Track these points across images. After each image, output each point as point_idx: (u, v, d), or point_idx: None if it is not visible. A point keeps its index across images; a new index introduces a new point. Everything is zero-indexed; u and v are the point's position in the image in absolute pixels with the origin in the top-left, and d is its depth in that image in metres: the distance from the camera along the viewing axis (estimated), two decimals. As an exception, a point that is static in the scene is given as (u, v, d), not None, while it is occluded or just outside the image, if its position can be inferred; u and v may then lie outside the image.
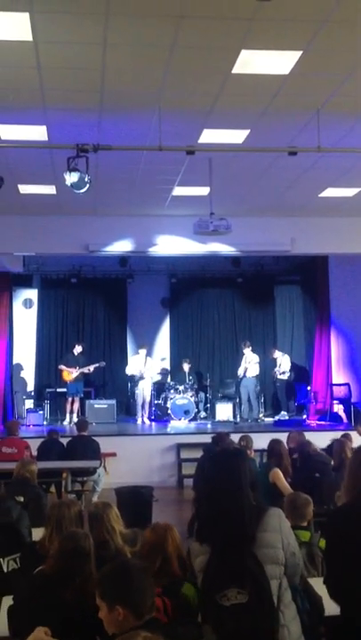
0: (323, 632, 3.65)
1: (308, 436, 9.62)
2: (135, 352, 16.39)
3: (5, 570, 5.36)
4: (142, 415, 15.22)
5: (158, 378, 16.58)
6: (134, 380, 15.53)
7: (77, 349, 15.82)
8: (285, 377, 16.05)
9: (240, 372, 15.71)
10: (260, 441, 10.53)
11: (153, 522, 7.87)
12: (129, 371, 15.83)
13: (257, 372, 15.70)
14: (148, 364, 15.42)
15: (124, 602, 2.86)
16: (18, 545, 5.40)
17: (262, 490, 6.76)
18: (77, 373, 15.47)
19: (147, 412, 15.36)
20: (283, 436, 9.15)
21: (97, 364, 15.77)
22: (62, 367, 15.65)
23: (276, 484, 7.50)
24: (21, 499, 6.58)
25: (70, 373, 15.47)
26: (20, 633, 3.69)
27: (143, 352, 15.60)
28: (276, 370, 16.15)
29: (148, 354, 15.95)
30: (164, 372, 17.05)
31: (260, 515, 3.21)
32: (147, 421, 15.26)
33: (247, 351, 15.77)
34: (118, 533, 4.50)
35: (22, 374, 17.21)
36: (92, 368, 15.63)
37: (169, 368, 17.44)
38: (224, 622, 3.01)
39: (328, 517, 3.85)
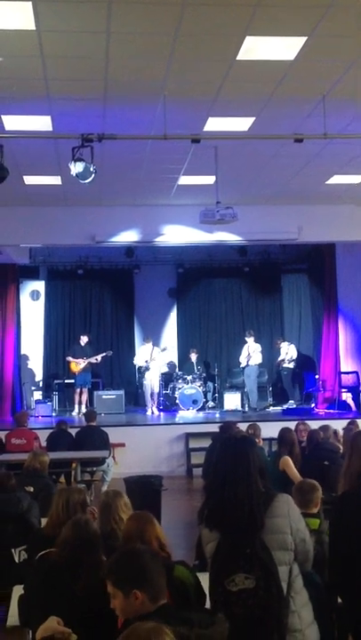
0: (334, 619, 3.67)
1: (316, 425, 9.59)
2: (142, 343, 16.38)
3: (17, 560, 5.38)
4: (151, 406, 15.22)
5: (166, 369, 16.53)
6: (142, 371, 15.53)
7: (84, 340, 15.83)
8: (292, 365, 16.02)
9: (243, 360, 15.66)
10: (269, 430, 10.54)
11: (162, 511, 7.96)
12: (137, 361, 15.84)
13: (260, 361, 15.66)
14: (154, 354, 15.41)
15: (140, 585, 2.86)
16: (28, 536, 5.42)
17: (272, 478, 6.75)
18: (85, 364, 15.49)
19: (155, 403, 15.35)
20: (291, 425, 9.15)
21: (104, 354, 15.77)
22: (70, 358, 15.66)
23: (285, 471, 7.51)
24: (31, 489, 6.60)
25: (78, 364, 15.49)
26: (30, 623, 3.70)
27: (149, 343, 15.57)
28: (281, 359, 16.12)
29: (155, 345, 15.92)
30: (171, 363, 17.03)
31: (268, 501, 3.20)
32: (156, 411, 15.26)
33: (250, 340, 15.72)
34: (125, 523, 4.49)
35: (30, 366, 17.25)
36: (99, 358, 15.64)
37: (176, 358, 17.42)
38: (232, 607, 3.01)
39: (333, 503, 3.89)
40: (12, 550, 5.46)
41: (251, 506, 3.13)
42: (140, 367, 15.61)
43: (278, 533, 3.14)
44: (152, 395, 15.31)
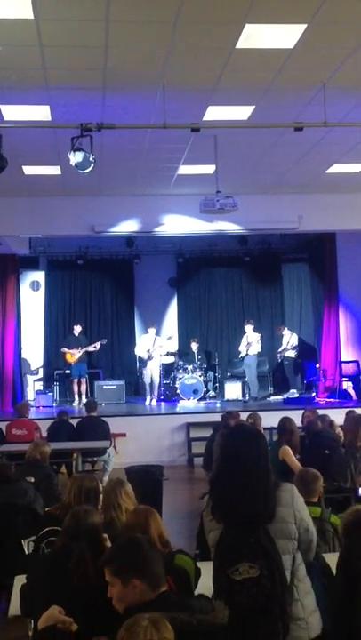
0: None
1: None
2: (143, 332, 16.36)
3: (27, 552, 5.40)
4: (151, 397, 15.20)
5: (168, 359, 16.49)
6: (143, 361, 15.51)
7: (77, 330, 15.82)
8: (293, 355, 16.02)
9: (242, 350, 15.62)
10: (270, 419, 10.54)
11: (163, 501, 7.98)
12: (138, 351, 15.80)
13: (259, 350, 15.65)
14: (157, 343, 15.38)
15: (140, 574, 2.87)
16: (36, 526, 5.45)
17: (273, 467, 6.77)
18: (80, 354, 15.46)
19: (156, 393, 15.34)
20: (292, 414, 9.15)
21: (99, 342, 15.75)
22: (64, 350, 15.65)
23: (285, 460, 7.52)
24: (32, 479, 6.61)
25: (73, 355, 15.47)
26: (33, 612, 3.71)
27: (152, 332, 15.53)
28: (283, 348, 16.12)
29: (157, 334, 15.90)
30: (172, 353, 17.00)
31: (273, 490, 3.21)
32: (155, 403, 15.24)
33: (249, 329, 15.69)
34: (124, 511, 4.51)
35: (31, 356, 17.23)
36: (97, 345, 15.62)
37: (177, 348, 17.42)
38: (236, 596, 3.03)
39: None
40: (22, 541, 5.47)
41: (266, 496, 3.14)
42: (141, 357, 15.57)
43: (282, 522, 3.15)
44: (152, 384, 15.28)
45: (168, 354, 16.47)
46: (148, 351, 15.23)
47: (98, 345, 15.64)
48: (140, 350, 15.58)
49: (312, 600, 3.25)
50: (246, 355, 15.54)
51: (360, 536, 3.49)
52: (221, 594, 3.08)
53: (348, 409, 10.62)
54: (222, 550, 3.14)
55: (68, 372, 16.11)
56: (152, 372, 15.27)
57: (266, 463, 3.23)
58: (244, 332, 15.76)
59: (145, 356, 15.31)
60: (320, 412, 9.76)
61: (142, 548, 2.97)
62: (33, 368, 17.16)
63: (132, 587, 2.87)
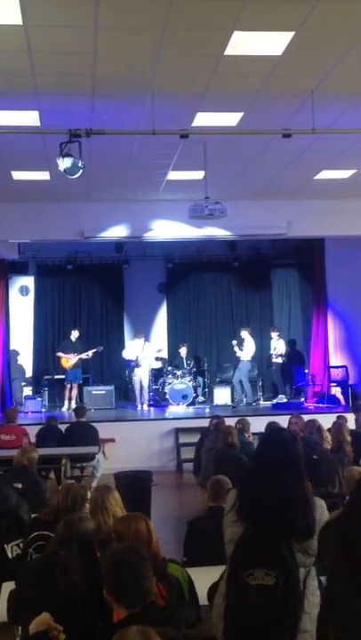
0: None
1: (307, 419, 9.62)
2: (132, 338, 16.34)
3: (10, 556, 5.38)
4: (141, 402, 15.18)
5: (157, 364, 16.46)
6: (131, 367, 15.49)
7: (74, 335, 15.80)
8: (280, 360, 16.05)
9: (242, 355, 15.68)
10: (258, 424, 10.54)
11: (152, 506, 7.96)
12: (125, 354, 15.73)
13: (252, 356, 15.70)
14: (145, 351, 15.37)
15: (110, 591, 2.87)
16: (20, 530, 5.43)
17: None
18: (76, 360, 15.46)
19: (146, 399, 15.31)
20: (280, 419, 9.17)
21: (95, 350, 15.74)
22: (60, 354, 15.62)
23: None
24: (19, 485, 6.59)
25: (69, 360, 15.46)
26: (20, 619, 3.70)
27: (140, 340, 15.52)
28: (271, 353, 16.15)
29: (147, 341, 15.87)
30: (161, 358, 16.97)
31: (311, 502, 3.19)
32: (145, 407, 15.23)
33: (246, 335, 15.75)
34: (112, 515, 4.52)
35: (20, 361, 17.19)
36: (90, 353, 15.60)
37: (166, 353, 17.41)
38: (248, 601, 2.98)
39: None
40: (5, 546, 5.46)
41: (304, 508, 3.12)
42: (130, 361, 15.53)
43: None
44: (141, 390, 15.27)
45: (157, 359, 16.46)
46: (137, 358, 15.19)
47: (90, 353, 15.61)
48: (128, 354, 15.51)
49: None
50: (240, 360, 15.62)
51: None
52: (234, 596, 3.05)
53: (336, 414, 10.64)
54: (241, 551, 3.10)
55: (57, 377, 16.08)
56: (141, 378, 15.26)
57: (300, 469, 3.20)
58: (241, 338, 15.77)
59: (132, 357, 15.25)
60: (308, 417, 9.79)
61: (123, 566, 2.93)
62: (22, 373, 17.11)
63: (111, 601, 2.88)
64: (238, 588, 3.04)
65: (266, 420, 9.47)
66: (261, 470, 3.22)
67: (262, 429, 8.56)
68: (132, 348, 15.56)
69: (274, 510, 3.09)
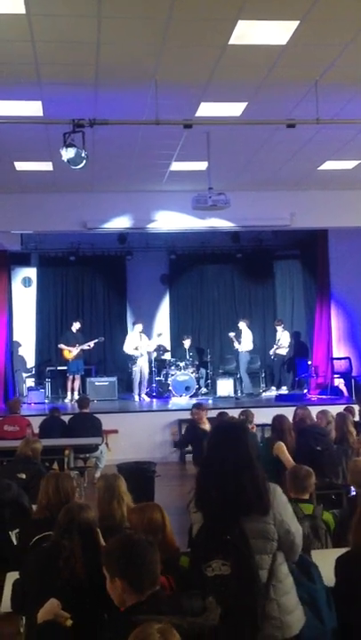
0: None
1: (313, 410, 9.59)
2: (132, 329, 16.32)
3: (15, 543, 5.40)
4: (140, 392, 15.16)
5: (155, 354, 16.45)
6: (133, 359, 15.46)
7: (76, 326, 15.79)
8: (284, 352, 16.04)
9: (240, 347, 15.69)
10: (262, 416, 10.56)
11: (155, 497, 7.97)
12: (126, 348, 15.72)
13: (250, 347, 15.71)
14: (143, 340, 15.34)
15: (123, 574, 2.86)
16: (24, 518, 5.46)
17: (265, 463, 6.77)
18: (78, 351, 15.46)
19: (145, 389, 15.28)
20: (284, 411, 9.15)
21: (96, 340, 15.73)
22: (62, 346, 15.63)
23: (279, 456, 7.52)
24: (23, 476, 6.61)
25: (70, 351, 15.46)
26: (25, 608, 3.71)
27: (138, 328, 15.46)
28: (275, 345, 16.15)
29: (145, 330, 15.84)
30: (163, 349, 16.97)
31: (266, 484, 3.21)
32: (145, 398, 15.19)
33: (243, 326, 15.74)
34: (125, 504, 4.51)
35: (23, 353, 17.20)
36: (91, 344, 15.60)
37: (169, 344, 17.41)
38: (208, 592, 2.99)
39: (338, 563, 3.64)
40: (10, 533, 5.48)
41: (257, 487, 3.13)
42: (131, 355, 15.53)
43: (259, 522, 3.13)
44: (141, 381, 15.23)
45: (159, 349, 16.44)
46: (137, 348, 15.13)
47: (92, 344, 15.61)
48: (128, 348, 15.45)
49: (291, 600, 3.22)
50: (239, 351, 15.62)
51: None
52: (195, 589, 3.06)
53: (339, 405, 10.65)
54: (199, 544, 3.14)
55: (60, 368, 16.09)
56: (142, 368, 15.22)
57: (249, 454, 3.21)
58: (239, 330, 15.78)
59: (133, 353, 15.22)
60: (313, 408, 9.77)
61: (131, 549, 2.93)
62: (25, 364, 17.12)
63: (114, 584, 2.87)
64: (198, 580, 3.08)
65: (269, 411, 9.48)
66: (212, 460, 3.24)
67: (266, 421, 8.58)
68: (131, 340, 15.43)
69: (230, 495, 3.11)
